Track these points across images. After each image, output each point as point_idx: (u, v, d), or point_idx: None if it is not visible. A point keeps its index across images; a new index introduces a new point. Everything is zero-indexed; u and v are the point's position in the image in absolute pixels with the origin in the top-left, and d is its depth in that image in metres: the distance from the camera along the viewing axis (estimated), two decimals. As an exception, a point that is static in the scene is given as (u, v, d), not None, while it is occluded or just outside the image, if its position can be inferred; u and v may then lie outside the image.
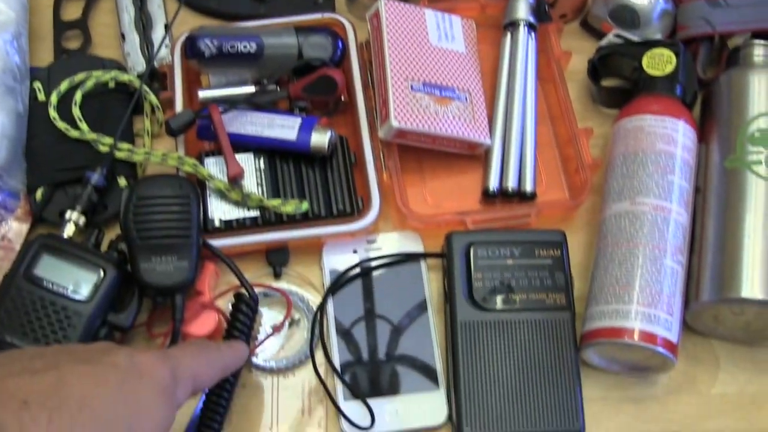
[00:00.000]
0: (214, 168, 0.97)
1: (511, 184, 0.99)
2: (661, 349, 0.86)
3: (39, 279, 0.86)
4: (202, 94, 1.02)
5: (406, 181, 0.99)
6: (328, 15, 1.05)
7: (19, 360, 0.61)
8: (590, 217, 1.01)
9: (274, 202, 0.94)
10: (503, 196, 1.00)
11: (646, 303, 0.88)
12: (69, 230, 0.92)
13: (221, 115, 0.96)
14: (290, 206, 0.94)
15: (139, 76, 1.03)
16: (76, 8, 1.11)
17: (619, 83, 1.08)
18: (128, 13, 1.08)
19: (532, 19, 1.04)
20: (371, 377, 0.90)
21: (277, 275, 0.96)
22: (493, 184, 0.99)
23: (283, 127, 0.97)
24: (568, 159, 1.03)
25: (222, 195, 0.95)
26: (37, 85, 1.02)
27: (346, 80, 1.02)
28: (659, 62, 1.01)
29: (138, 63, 1.05)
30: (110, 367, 0.62)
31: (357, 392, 0.89)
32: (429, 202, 1.00)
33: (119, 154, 0.96)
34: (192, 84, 1.04)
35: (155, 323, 0.92)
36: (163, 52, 1.05)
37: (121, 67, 1.05)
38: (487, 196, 1.00)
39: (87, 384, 0.60)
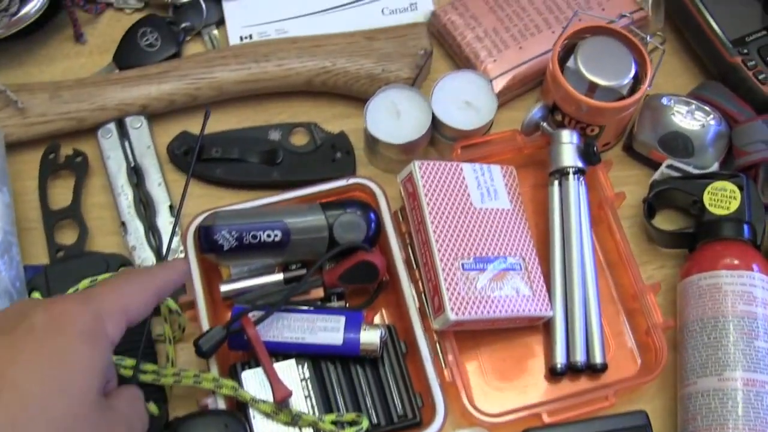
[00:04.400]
0: (253, 382, 0.87)
1: (579, 357, 0.91)
2: None
3: None
4: (224, 288, 0.92)
5: (464, 364, 0.92)
6: (353, 180, 0.94)
7: None
8: (665, 381, 0.93)
9: (330, 423, 0.84)
10: (571, 370, 0.91)
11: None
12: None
13: (256, 327, 0.85)
14: (351, 430, 0.84)
15: (150, 275, 0.91)
16: (64, 190, 0.99)
17: (678, 227, 0.99)
18: (125, 196, 0.96)
19: (581, 164, 0.94)
20: None
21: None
22: (560, 360, 0.91)
23: (326, 330, 0.87)
24: (633, 314, 0.95)
25: (269, 415, 0.85)
26: (36, 295, 0.91)
27: (385, 257, 0.92)
28: (722, 198, 0.92)
29: (146, 259, 0.94)
30: (26, 334, 0.61)
31: None
32: (491, 385, 0.92)
33: (144, 378, 0.85)
34: (209, 272, 0.93)
35: None
36: (174, 242, 0.93)
37: (127, 263, 0.93)
38: (554, 374, 0.91)
39: (4, 357, 0.59)
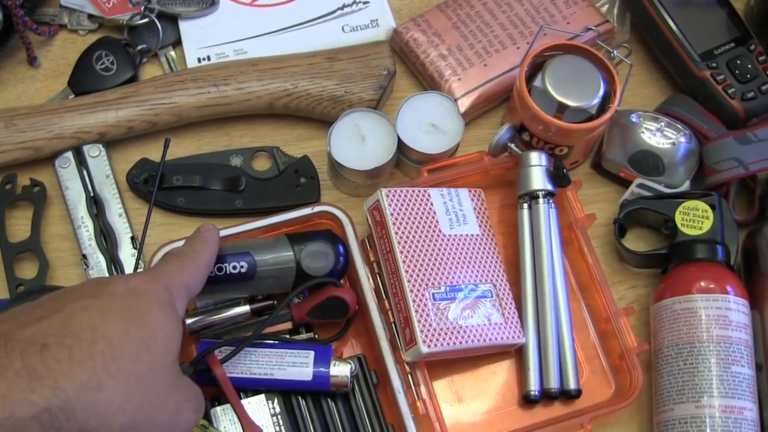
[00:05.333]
0: (224, 419, 0.85)
1: (553, 384, 0.89)
2: None
3: None
4: (190, 321, 0.89)
5: (436, 395, 0.89)
6: (319, 209, 0.91)
7: (23, 314, 0.63)
8: (640, 403, 0.92)
9: (302, 462, 0.83)
10: (545, 397, 0.90)
11: None
12: None
13: (223, 365, 0.83)
14: (324, 468, 0.83)
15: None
16: (22, 221, 0.96)
17: (650, 246, 0.97)
18: (86, 228, 0.94)
19: (550, 187, 0.92)
20: None
21: None
22: (534, 387, 0.89)
23: (295, 366, 0.86)
24: (606, 336, 0.93)
25: (241, 453, 0.84)
26: (-3, 333, 0.87)
27: (354, 287, 0.90)
28: (694, 218, 0.91)
29: (110, 293, 0.91)
30: (110, 297, 0.65)
31: None
32: (464, 414, 0.91)
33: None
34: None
35: None
36: (138, 277, 0.91)
37: (89, 297, 0.90)
38: (528, 401, 0.89)
39: (93, 316, 0.62)
